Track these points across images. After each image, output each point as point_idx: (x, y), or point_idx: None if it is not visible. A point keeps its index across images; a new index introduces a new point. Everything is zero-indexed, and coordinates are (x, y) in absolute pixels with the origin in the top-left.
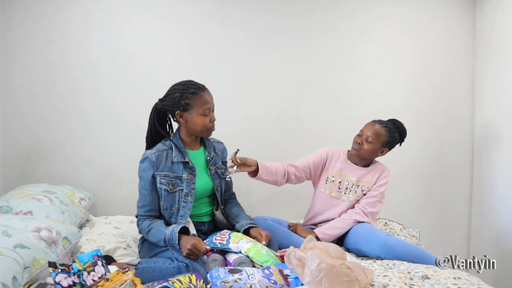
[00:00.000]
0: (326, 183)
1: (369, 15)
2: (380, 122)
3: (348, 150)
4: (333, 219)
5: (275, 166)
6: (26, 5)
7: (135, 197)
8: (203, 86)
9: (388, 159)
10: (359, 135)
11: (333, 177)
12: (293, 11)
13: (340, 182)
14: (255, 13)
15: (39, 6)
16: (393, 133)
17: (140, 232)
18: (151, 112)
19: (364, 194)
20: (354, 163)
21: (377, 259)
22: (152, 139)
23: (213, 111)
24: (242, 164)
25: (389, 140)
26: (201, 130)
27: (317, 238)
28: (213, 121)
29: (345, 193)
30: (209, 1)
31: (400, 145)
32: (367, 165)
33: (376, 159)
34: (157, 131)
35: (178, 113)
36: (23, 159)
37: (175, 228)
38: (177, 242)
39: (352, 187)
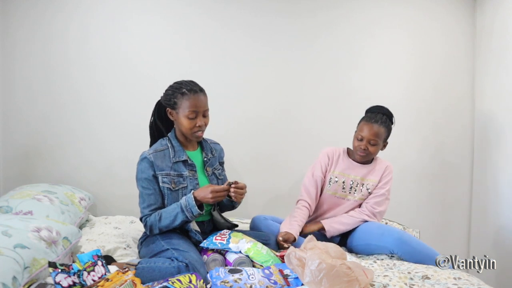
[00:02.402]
0: (330, 184)
1: (369, 15)
2: (375, 120)
3: (348, 148)
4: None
5: (302, 216)
6: (26, 5)
7: (135, 197)
8: (198, 89)
9: (388, 158)
10: (359, 140)
11: (336, 177)
12: (293, 11)
13: (344, 182)
14: (255, 13)
15: (39, 6)
16: (389, 125)
17: (150, 229)
18: (155, 105)
19: (370, 193)
20: (356, 161)
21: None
22: (153, 132)
23: (205, 116)
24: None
25: (388, 133)
26: (186, 132)
27: (322, 230)
28: (199, 126)
29: (349, 192)
30: (209, 1)
31: (393, 124)
32: (369, 161)
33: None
34: (157, 125)
35: (169, 110)
36: (23, 159)
37: (187, 195)
38: (194, 203)
39: (357, 186)
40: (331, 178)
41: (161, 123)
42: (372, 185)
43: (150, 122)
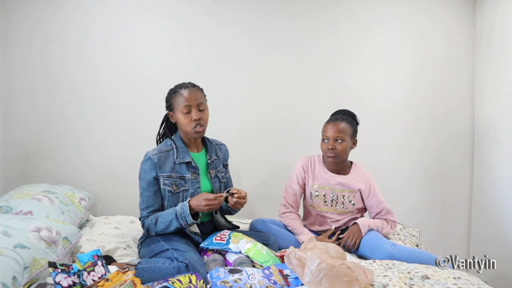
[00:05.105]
0: (311, 198)
1: (369, 15)
2: (334, 119)
3: (323, 156)
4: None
5: (299, 224)
6: (26, 5)
7: (135, 197)
8: (188, 84)
9: (388, 159)
10: (325, 141)
11: (316, 191)
12: (293, 11)
13: (324, 195)
14: (255, 13)
15: (39, 6)
16: (351, 121)
17: (147, 231)
18: (163, 119)
19: (353, 204)
20: (332, 170)
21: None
22: (160, 135)
23: (201, 110)
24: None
25: (353, 129)
26: (185, 129)
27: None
28: (196, 119)
29: (331, 205)
30: (209, 1)
31: (358, 125)
32: (346, 169)
33: (355, 161)
34: (166, 135)
35: (169, 113)
36: (23, 159)
37: (183, 203)
38: (189, 212)
39: (337, 198)
40: (311, 192)
41: (170, 134)
42: (354, 196)
43: (158, 133)
